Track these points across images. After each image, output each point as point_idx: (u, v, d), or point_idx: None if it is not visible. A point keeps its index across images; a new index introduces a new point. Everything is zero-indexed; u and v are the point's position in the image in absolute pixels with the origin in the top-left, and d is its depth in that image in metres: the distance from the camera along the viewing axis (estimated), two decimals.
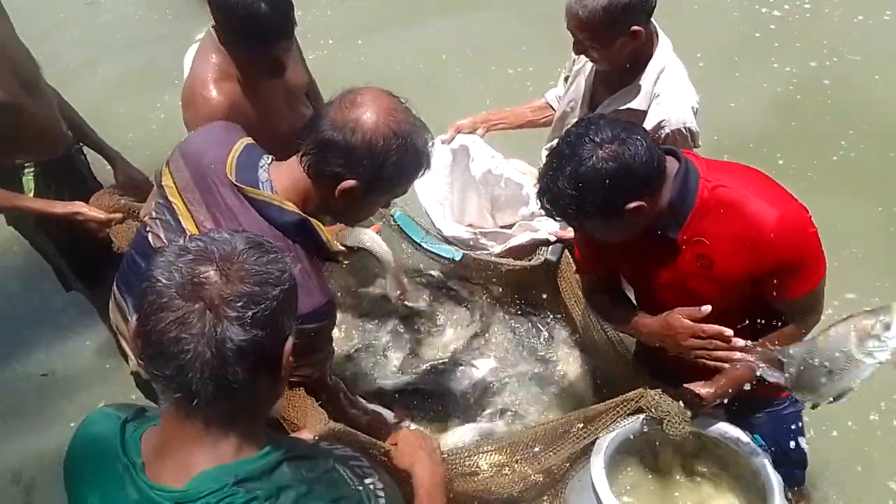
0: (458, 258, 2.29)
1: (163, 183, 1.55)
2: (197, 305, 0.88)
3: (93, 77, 4.44)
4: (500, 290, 2.43)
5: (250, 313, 0.89)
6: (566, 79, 2.33)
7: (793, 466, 1.88)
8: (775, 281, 1.52)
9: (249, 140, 1.56)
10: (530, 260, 2.28)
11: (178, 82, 2.16)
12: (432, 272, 2.49)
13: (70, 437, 1.06)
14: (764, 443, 1.74)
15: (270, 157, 1.52)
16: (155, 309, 0.89)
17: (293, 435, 1.48)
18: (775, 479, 1.63)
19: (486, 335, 2.31)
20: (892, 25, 4.15)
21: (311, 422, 1.50)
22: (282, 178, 1.47)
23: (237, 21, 1.92)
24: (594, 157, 1.41)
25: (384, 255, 2.18)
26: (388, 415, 1.94)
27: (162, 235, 1.52)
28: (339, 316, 1.68)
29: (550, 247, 2.27)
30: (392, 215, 2.36)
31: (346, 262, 1.86)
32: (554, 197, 1.49)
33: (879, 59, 3.93)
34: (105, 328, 2.72)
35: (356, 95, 1.43)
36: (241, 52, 2.00)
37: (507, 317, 2.38)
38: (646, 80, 1.99)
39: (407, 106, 1.48)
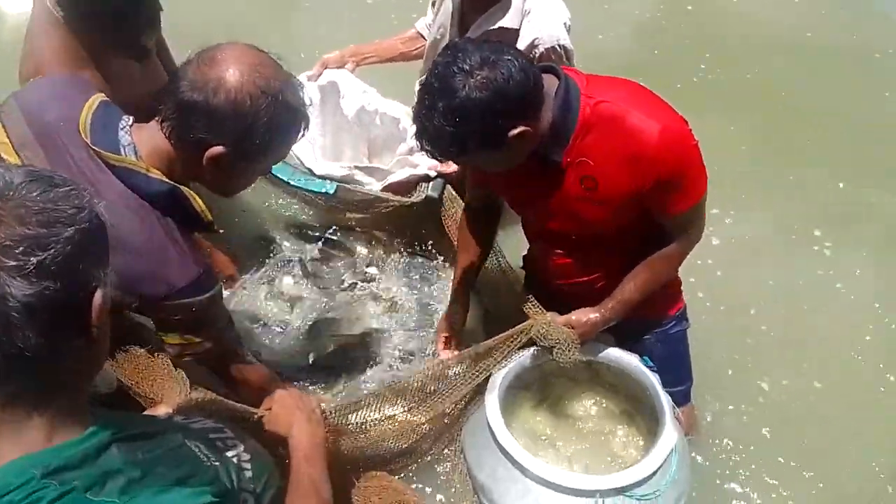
0: (331, 191, 2.14)
1: None
2: None
3: None
4: (383, 232, 2.30)
5: (34, 260, 0.71)
6: (433, 4, 2.19)
7: (680, 384, 1.89)
8: (659, 197, 1.48)
9: (103, 97, 1.37)
10: (410, 196, 2.16)
11: None
12: (313, 224, 2.34)
13: None
14: (653, 364, 1.74)
15: (130, 117, 1.35)
16: None
17: (148, 411, 1.30)
18: (665, 400, 1.64)
19: (375, 282, 2.20)
20: None
21: (168, 394, 1.32)
22: (145, 143, 1.30)
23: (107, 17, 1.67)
24: (466, 87, 1.31)
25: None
26: None
27: None
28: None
29: (431, 182, 2.16)
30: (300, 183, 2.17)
31: (221, 231, 1.63)
32: (432, 137, 1.37)
33: None
34: None
35: (216, 52, 1.27)
36: (101, 38, 1.72)
37: (392, 260, 2.27)
38: None
39: (276, 60, 1.32)
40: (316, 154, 2.21)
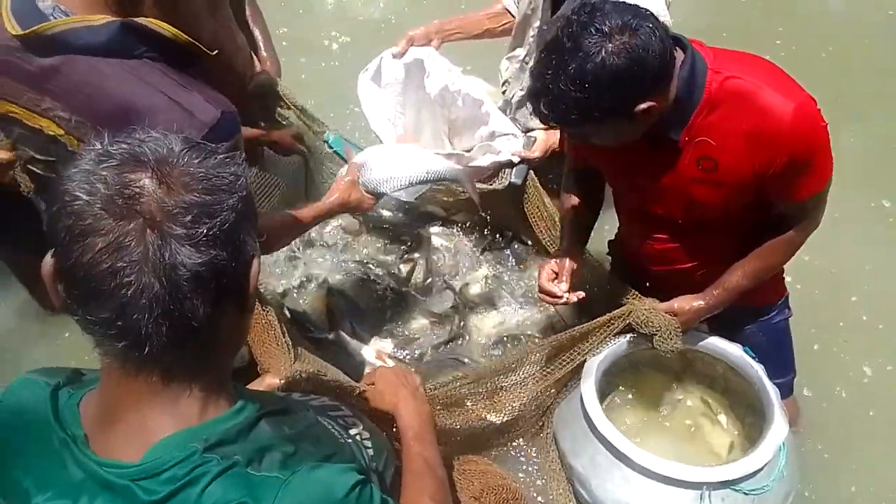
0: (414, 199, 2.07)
1: None
2: (133, 224, 0.68)
3: None
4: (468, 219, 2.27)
5: (204, 229, 0.69)
6: None
7: (783, 375, 1.81)
8: (785, 181, 1.39)
9: None
10: (492, 184, 2.10)
11: None
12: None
13: None
14: (755, 354, 1.66)
15: None
16: (76, 236, 0.68)
17: (254, 383, 1.30)
18: (773, 393, 1.57)
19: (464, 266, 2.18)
20: None
21: (274, 364, 1.32)
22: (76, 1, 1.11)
23: None
24: (603, 51, 1.22)
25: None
26: None
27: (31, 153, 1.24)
28: None
29: (514, 168, 2.08)
30: (326, 140, 2.12)
31: (214, 52, 1.25)
32: (554, 99, 1.29)
33: None
34: (21, 286, 2.42)
35: None
36: None
37: (476, 246, 2.25)
38: None
39: None
40: (398, 133, 2.17)
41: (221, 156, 0.75)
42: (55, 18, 1.09)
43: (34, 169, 1.29)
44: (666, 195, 1.51)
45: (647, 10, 1.29)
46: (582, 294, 1.61)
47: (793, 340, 1.84)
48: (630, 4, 1.30)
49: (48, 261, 0.73)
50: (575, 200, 1.77)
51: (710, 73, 1.36)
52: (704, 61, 1.37)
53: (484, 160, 2.11)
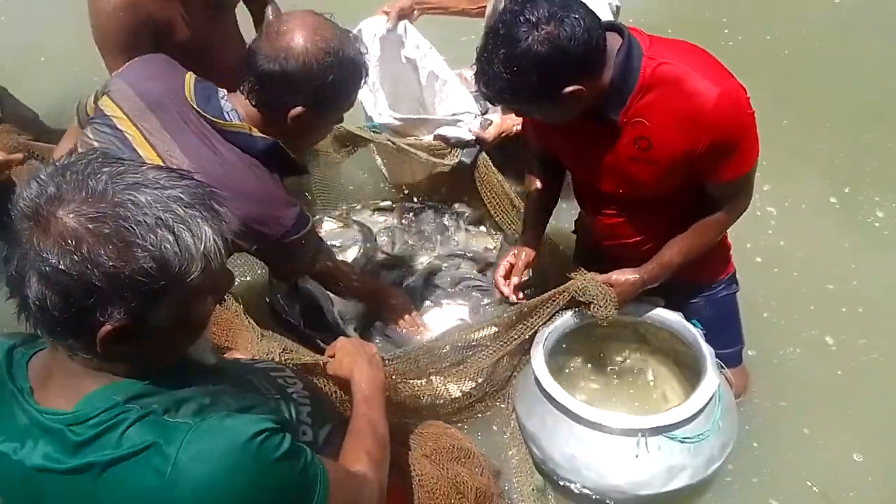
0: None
1: (107, 113, 1.52)
2: (27, 224, 0.80)
3: None
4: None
5: (53, 265, 0.78)
6: None
7: (730, 346, 1.92)
8: (710, 162, 1.50)
9: (193, 74, 1.59)
10: (444, 159, 2.22)
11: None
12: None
13: None
14: (702, 326, 1.77)
15: (224, 90, 1.57)
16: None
17: (224, 355, 1.45)
18: (707, 351, 1.67)
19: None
20: None
21: (241, 342, 1.47)
22: (242, 107, 1.54)
23: None
24: (529, 39, 1.34)
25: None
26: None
27: None
28: None
29: (465, 148, 2.20)
30: (371, 128, 2.27)
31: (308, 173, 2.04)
32: (489, 80, 1.43)
33: None
34: None
35: (281, 23, 1.49)
36: None
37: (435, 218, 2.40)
38: None
39: (331, 20, 1.53)
40: (377, 101, 2.27)
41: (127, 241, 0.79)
42: (230, 119, 1.52)
43: None
44: (609, 172, 1.61)
45: (579, 2, 1.40)
46: (521, 296, 1.80)
47: (740, 314, 1.95)
48: None
49: None
50: (538, 184, 1.90)
51: (645, 58, 1.46)
52: (640, 48, 1.47)
53: (445, 131, 2.21)
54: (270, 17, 2.28)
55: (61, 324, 0.81)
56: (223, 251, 0.86)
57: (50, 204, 0.79)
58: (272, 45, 1.46)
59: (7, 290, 0.83)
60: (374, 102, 2.23)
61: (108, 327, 0.80)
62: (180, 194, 0.83)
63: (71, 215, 0.78)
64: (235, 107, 1.53)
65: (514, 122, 2.18)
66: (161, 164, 1.44)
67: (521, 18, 1.35)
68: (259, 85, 1.50)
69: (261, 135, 1.53)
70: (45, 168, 0.83)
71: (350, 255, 2.24)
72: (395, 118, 2.22)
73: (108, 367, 0.87)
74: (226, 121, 1.51)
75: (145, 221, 0.79)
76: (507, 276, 1.82)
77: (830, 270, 2.45)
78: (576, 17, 1.35)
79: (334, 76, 1.48)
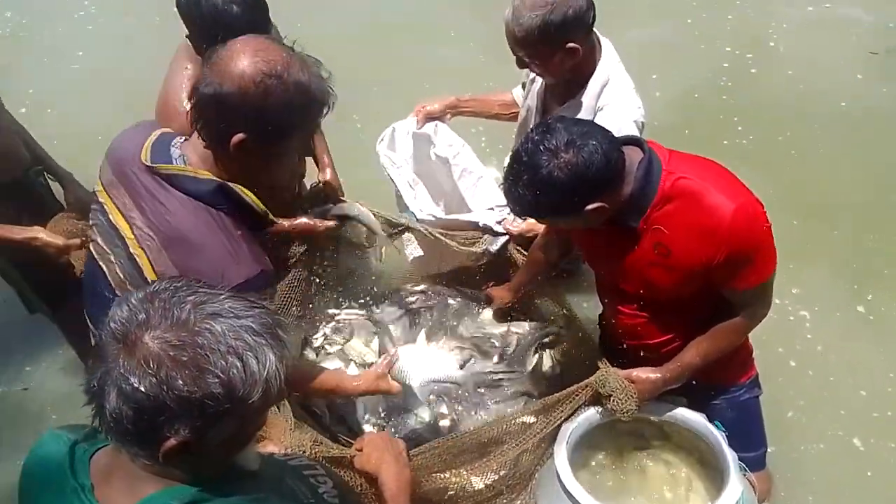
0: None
1: (95, 189, 1.54)
2: (116, 347, 0.88)
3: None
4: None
5: (133, 386, 0.86)
6: (523, 85, 2.34)
7: (752, 449, 1.93)
8: (727, 272, 1.56)
9: (167, 129, 1.52)
10: (472, 247, 2.28)
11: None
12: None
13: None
14: (724, 428, 1.79)
15: (184, 136, 1.46)
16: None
17: (258, 447, 1.49)
18: (730, 456, 1.69)
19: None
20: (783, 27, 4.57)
21: (275, 432, 1.51)
22: (191, 152, 1.42)
23: (208, 23, 1.89)
24: (549, 166, 1.44)
25: (372, 222, 2.17)
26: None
27: (99, 241, 1.51)
28: None
29: (496, 238, 2.26)
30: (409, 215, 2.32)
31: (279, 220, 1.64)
32: (516, 200, 1.54)
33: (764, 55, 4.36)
34: (72, 350, 2.70)
35: (224, 49, 1.34)
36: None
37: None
38: (587, 94, 2.01)
39: (283, 43, 1.38)
40: (418, 196, 2.35)
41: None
42: (176, 164, 1.40)
43: (92, 251, 1.56)
44: (629, 274, 1.68)
45: (598, 127, 1.51)
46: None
47: (763, 418, 1.96)
48: (581, 121, 1.52)
49: None
50: (539, 256, 2.05)
51: (665, 172, 1.54)
52: (660, 161, 1.56)
53: (474, 216, 2.29)
54: None
55: (131, 434, 0.88)
56: (283, 375, 0.93)
57: (139, 329, 0.87)
58: (212, 68, 1.32)
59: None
60: (414, 197, 2.32)
61: (172, 442, 0.87)
62: (251, 323, 0.90)
63: (156, 341, 0.86)
64: (185, 152, 1.41)
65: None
66: (132, 234, 1.43)
67: (542, 147, 1.46)
68: (198, 113, 1.34)
69: (207, 176, 1.38)
70: (137, 293, 0.91)
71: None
72: (435, 216, 2.29)
73: (165, 473, 0.93)
74: (169, 164, 1.39)
75: (219, 349, 0.86)
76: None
77: (862, 375, 2.47)
78: (594, 144, 1.45)
79: (276, 99, 1.30)
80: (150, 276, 1.40)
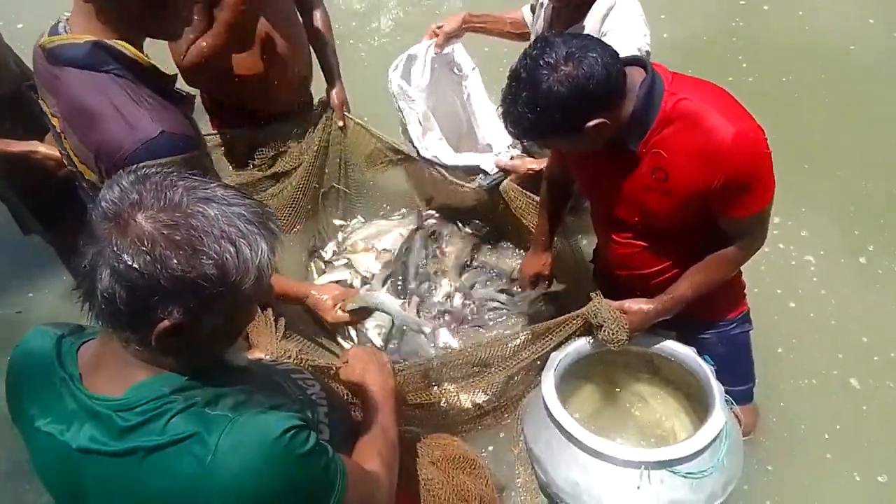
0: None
1: None
2: (108, 225, 0.86)
3: None
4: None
5: (127, 263, 0.85)
6: (532, 8, 2.30)
7: (741, 384, 1.94)
8: (725, 198, 1.53)
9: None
10: (469, 182, 2.29)
11: None
12: None
13: None
14: (713, 362, 1.79)
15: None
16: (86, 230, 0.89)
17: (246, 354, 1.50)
18: (716, 388, 1.68)
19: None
20: None
21: (262, 341, 1.52)
22: (76, 16, 1.33)
23: None
24: (549, 80, 1.40)
25: (392, 308, 2.08)
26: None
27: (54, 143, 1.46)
28: None
29: (490, 175, 2.26)
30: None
31: (189, 93, 1.47)
32: (515, 120, 1.50)
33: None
34: (68, 274, 2.70)
35: None
36: None
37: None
38: (590, 19, 1.96)
39: None
40: (425, 134, 2.32)
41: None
42: (61, 34, 1.32)
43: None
44: (625, 200, 1.65)
45: (598, 41, 1.46)
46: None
47: (752, 352, 1.96)
48: (579, 35, 1.47)
49: None
50: (546, 208, 2.02)
51: (667, 93, 1.51)
52: (663, 83, 1.52)
53: (470, 157, 2.30)
54: (318, 23, 2.36)
55: (123, 316, 0.87)
56: (274, 266, 0.93)
57: (131, 208, 0.86)
58: None
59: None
60: (422, 133, 2.30)
61: (165, 323, 0.87)
62: (243, 211, 0.90)
63: (150, 221, 0.85)
64: (70, 21, 1.32)
65: (531, 163, 2.25)
66: (60, 128, 1.38)
67: (541, 62, 1.42)
68: None
69: (83, 37, 1.29)
70: (127, 175, 0.90)
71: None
72: (438, 158, 2.29)
73: (156, 360, 0.93)
74: (53, 37, 1.31)
75: (212, 232, 0.86)
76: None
77: (869, 323, 2.47)
78: (593, 56, 1.41)
79: None
80: (80, 168, 1.36)
